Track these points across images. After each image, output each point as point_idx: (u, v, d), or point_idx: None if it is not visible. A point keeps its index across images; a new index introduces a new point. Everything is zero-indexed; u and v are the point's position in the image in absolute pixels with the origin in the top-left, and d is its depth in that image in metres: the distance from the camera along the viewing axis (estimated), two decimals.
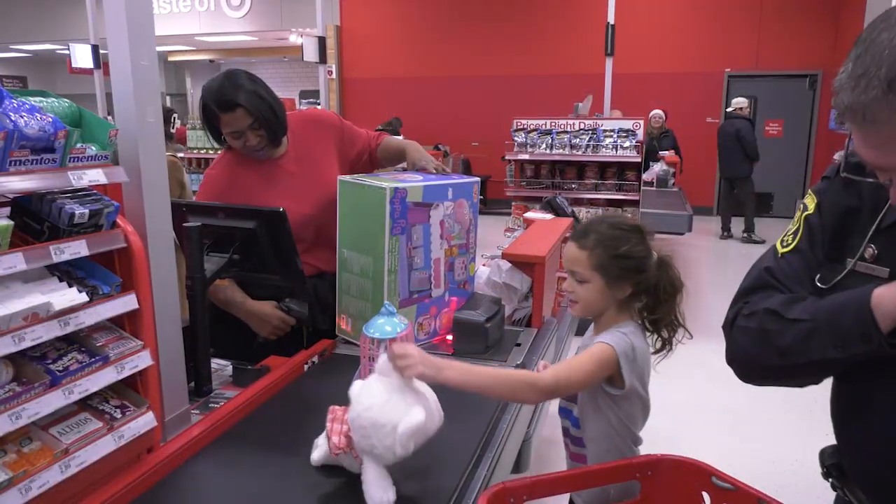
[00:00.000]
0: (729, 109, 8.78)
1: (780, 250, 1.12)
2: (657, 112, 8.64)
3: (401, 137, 2.45)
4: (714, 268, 7.68)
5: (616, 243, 1.41)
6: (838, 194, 1.07)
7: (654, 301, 1.44)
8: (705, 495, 1.25)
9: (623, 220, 1.50)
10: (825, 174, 1.12)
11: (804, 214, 1.11)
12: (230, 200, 2.04)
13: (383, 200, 1.79)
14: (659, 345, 1.47)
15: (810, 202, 1.11)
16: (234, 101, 1.96)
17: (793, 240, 1.11)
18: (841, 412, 1.12)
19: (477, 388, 1.29)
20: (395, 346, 1.25)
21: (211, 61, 17.30)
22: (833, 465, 1.14)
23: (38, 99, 1.30)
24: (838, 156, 1.06)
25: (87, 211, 1.25)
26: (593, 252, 1.41)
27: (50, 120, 1.20)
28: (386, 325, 1.43)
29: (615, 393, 1.39)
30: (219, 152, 2.24)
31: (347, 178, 1.98)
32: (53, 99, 1.34)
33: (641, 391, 1.42)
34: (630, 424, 1.43)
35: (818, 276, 1.06)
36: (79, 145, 1.27)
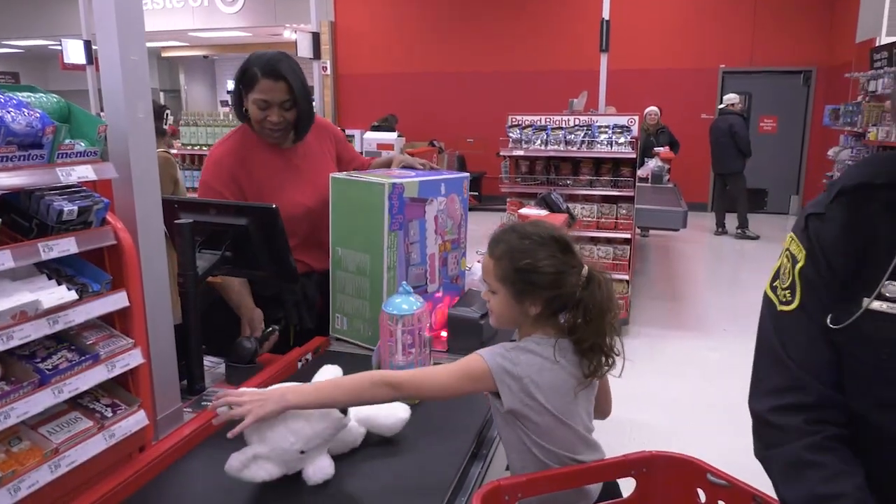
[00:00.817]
0: (721, 106, 8.80)
1: (780, 307, 1.00)
2: (652, 108, 8.65)
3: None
4: (709, 264, 7.70)
5: (520, 256, 1.30)
6: (838, 229, 0.93)
7: (577, 321, 1.29)
8: (700, 492, 1.25)
9: (538, 230, 1.33)
10: (813, 210, 0.98)
11: (797, 268, 0.97)
12: (237, 180, 2.04)
13: (382, 196, 1.79)
14: (588, 370, 1.30)
15: (797, 251, 0.98)
16: (281, 73, 1.97)
17: (792, 296, 0.98)
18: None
19: (327, 401, 1.25)
20: (223, 397, 1.27)
21: (205, 57, 17.22)
22: None
23: (25, 94, 1.29)
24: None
25: (75, 208, 1.23)
26: (499, 263, 1.32)
27: (38, 115, 1.18)
28: (403, 303, 1.52)
29: (503, 410, 1.30)
30: (215, 146, 2.21)
31: (341, 175, 1.98)
32: (41, 94, 1.32)
33: (544, 411, 1.28)
34: (548, 443, 1.30)
35: (830, 316, 0.93)
36: (67, 141, 1.26)
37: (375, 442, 1.42)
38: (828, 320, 0.93)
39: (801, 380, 0.95)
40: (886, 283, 0.88)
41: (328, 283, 2.03)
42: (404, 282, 1.58)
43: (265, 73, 1.97)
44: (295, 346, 1.98)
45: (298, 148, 2.18)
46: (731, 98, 8.56)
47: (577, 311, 1.28)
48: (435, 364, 1.62)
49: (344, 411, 1.26)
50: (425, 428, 1.47)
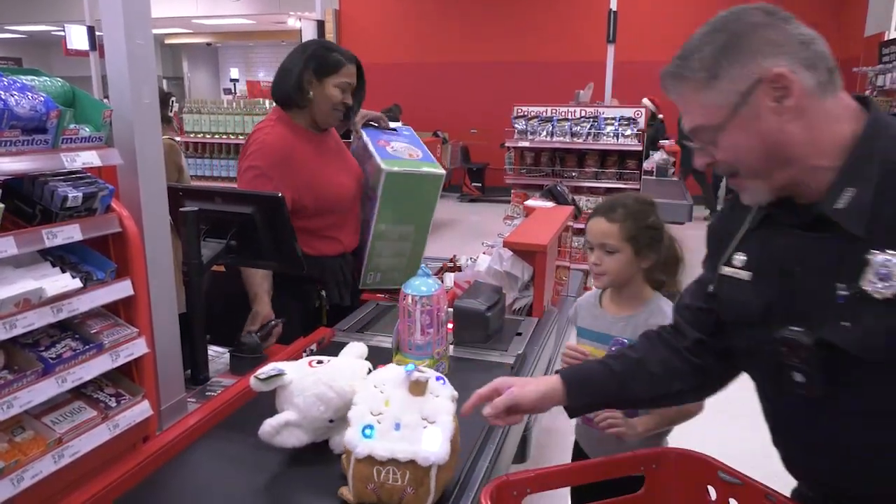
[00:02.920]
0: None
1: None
2: (644, 101, 8.62)
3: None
4: None
5: (644, 216, 1.57)
6: (726, 213, 1.17)
7: (665, 270, 1.60)
8: (711, 489, 1.23)
9: (640, 197, 1.65)
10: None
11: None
12: (291, 165, 2.08)
13: (439, 184, 2.26)
14: None
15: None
16: (356, 59, 2.17)
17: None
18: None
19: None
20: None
21: (208, 44, 17.16)
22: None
23: (29, 77, 1.26)
24: None
25: (80, 194, 1.21)
26: (624, 224, 1.55)
27: (42, 99, 1.16)
28: (422, 285, 1.57)
29: None
30: (263, 120, 2.21)
31: (398, 168, 2.19)
32: (46, 78, 1.30)
33: None
34: None
35: (710, 285, 1.16)
36: (72, 126, 1.24)
37: None
38: (709, 287, 1.16)
39: (688, 310, 1.24)
40: (737, 252, 1.08)
41: (355, 262, 2.28)
42: (423, 265, 1.66)
43: (348, 59, 2.13)
44: (328, 323, 2.14)
45: (326, 135, 2.25)
46: (646, 103, 8.76)
47: (668, 261, 1.60)
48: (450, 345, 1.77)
49: None
50: None
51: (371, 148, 2.24)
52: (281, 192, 1.81)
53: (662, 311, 1.56)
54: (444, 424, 1.14)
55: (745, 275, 1.06)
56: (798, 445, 1.09)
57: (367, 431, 1.12)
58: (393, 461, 1.09)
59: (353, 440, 1.12)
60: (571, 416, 1.31)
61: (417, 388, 1.17)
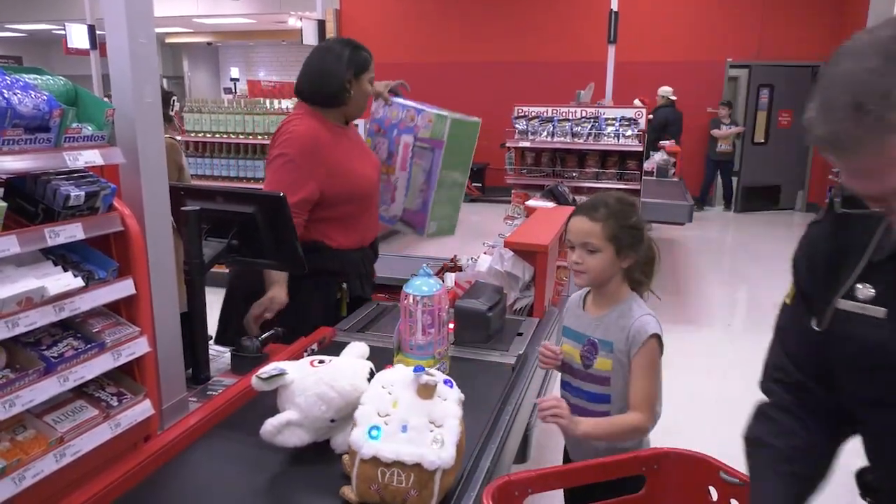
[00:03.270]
0: (658, 98, 9.15)
1: (784, 298, 1.12)
2: (636, 102, 8.65)
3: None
4: (713, 258, 7.67)
5: (626, 215, 1.56)
6: (827, 233, 1.02)
7: (642, 269, 1.61)
8: (712, 490, 1.24)
9: (621, 197, 1.62)
10: (815, 219, 1.07)
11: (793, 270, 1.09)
12: (319, 154, 2.12)
13: (477, 129, 2.50)
14: None
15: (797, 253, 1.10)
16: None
17: (793, 292, 1.10)
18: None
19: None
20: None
21: (209, 44, 17.14)
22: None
23: (32, 76, 1.26)
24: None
25: (82, 193, 1.21)
26: (606, 223, 1.54)
27: (45, 98, 1.16)
28: (423, 285, 1.56)
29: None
30: (291, 114, 2.28)
31: (457, 116, 2.42)
32: (48, 76, 1.30)
33: None
34: None
35: (813, 320, 1.01)
36: (74, 125, 1.24)
37: None
38: (812, 323, 1.01)
39: (786, 367, 1.10)
40: (861, 284, 0.94)
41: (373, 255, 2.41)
42: (425, 265, 1.66)
43: (371, 56, 2.32)
44: (348, 315, 2.22)
45: (348, 128, 2.34)
46: (665, 90, 8.98)
47: (646, 260, 1.61)
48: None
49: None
50: None
51: (417, 105, 2.48)
52: (308, 180, 2.03)
53: (632, 311, 1.56)
54: (451, 428, 1.13)
55: (877, 311, 0.92)
56: None
57: (374, 432, 1.12)
58: (398, 463, 1.08)
59: (359, 441, 1.12)
60: None
61: (426, 391, 1.17)
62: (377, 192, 2.38)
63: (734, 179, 10.07)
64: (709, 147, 9.85)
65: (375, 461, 1.10)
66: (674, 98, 9.12)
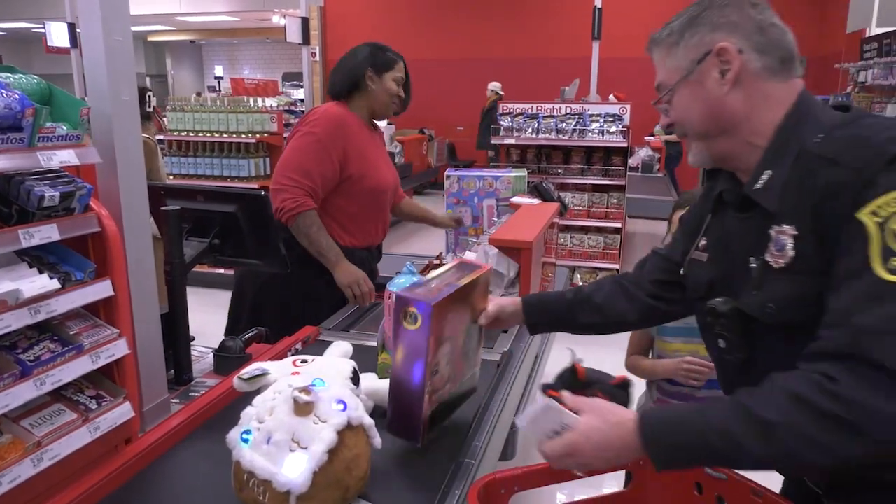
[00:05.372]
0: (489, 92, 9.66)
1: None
2: (611, 98, 8.67)
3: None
4: None
5: None
6: (699, 203, 1.26)
7: None
8: (698, 484, 1.24)
9: None
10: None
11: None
12: (346, 139, 2.26)
13: None
14: None
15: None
16: (403, 58, 2.47)
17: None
18: None
19: None
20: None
21: (192, 41, 17.00)
22: None
23: (4, 75, 1.24)
24: None
25: (57, 193, 1.19)
26: None
27: (16, 97, 1.14)
28: (407, 283, 1.52)
29: None
30: (323, 107, 2.36)
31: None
32: (21, 75, 1.27)
33: None
34: None
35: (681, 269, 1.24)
36: (48, 124, 1.21)
37: (382, 413, 1.39)
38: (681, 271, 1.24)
39: (645, 273, 1.37)
40: (703, 237, 1.18)
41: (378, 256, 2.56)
42: (409, 263, 1.66)
43: (399, 56, 2.44)
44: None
45: (376, 132, 2.50)
46: (494, 86, 9.56)
47: None
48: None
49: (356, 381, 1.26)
50: None
51: (492, 173, 3.05)
52: (329, 156, 2.18)
53: None
54: (312, 454, 1.03)
55: (703, 256, 1.17)
56: None
57: (245, 436, 1.07)
58: (252, 474, 1.03)
59: (231, 441, 1.08)
60: (532, 332, 1.51)
61: (299, 408, 1.07)
62: (390, 196, 2.50)
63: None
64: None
65: (239, 465, 1.06)
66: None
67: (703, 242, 1.18)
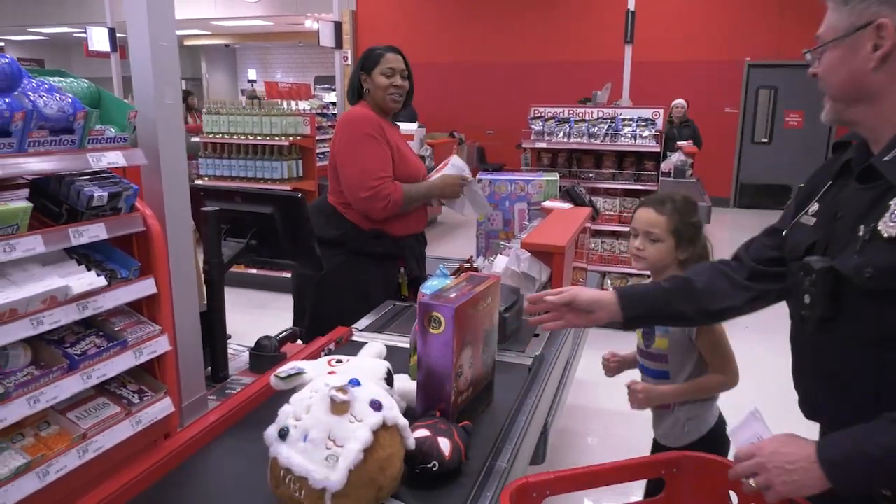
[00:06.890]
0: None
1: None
2: (679, 101, 8.53)
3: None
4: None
5: (689, 213, 1.75)
6: (820, 170, 1.26)
7: (696, 263, 1.68)
8: (732, 494, 1.22)
9: (689, 196, 1.83)
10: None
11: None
12: (388, 141, 2.41)
13: None
14: None
15: None
16: (399, 50, 2.52)
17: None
18: None
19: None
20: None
21: (226, 46, 17.27)
22: None
23: (56, 79, 1.28)
24: None
25: (105, 194, 1.23)
26: (671, 217, 1.73)
27: (69, 100, 1.18)
28: (440, 286, 1.53)
29: None
30: (353, 110, 2.50)
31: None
32: (72, 79, 1.32)
33: None
34: None
35: (784, 230, 1.28)
36: (98, 127, 1.25)
37: (412, 415, 1.40)
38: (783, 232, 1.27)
39: (748, 253, 1.38)
40: (814, 204, 1.20)
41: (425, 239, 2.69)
42: (442, 265, 1.71)
43: (387, 49, 2.50)
44: (408, 293, 2.51)
45: (396, 127, 2.59)
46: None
47: (699, 258, 1.75)
48: None
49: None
50: None
51: (523, 177, 3.12)
52: (386, 148, 2.36)
53: None
54: (348, 452, 1.04)
55: (811, 220, 1.19)
56: (801, 371, 1.21)
57: (283, 432, 1.08)
58: (289, 471, 1.05)
59: (268, 437, 1.10)
60: (626, 328, 1.42)
61: (336, 407, 1.09)
62: None
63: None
64: None
65: (276, 462, 1.07)
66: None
67: (814, 207, 1.19)
